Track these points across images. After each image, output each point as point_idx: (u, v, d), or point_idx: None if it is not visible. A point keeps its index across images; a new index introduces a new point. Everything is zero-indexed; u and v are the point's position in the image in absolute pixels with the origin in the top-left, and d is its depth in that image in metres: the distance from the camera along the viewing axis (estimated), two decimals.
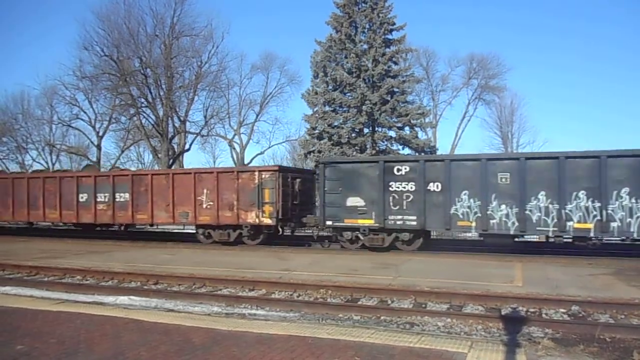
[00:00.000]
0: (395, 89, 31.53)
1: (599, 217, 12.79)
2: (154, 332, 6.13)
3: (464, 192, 13.98)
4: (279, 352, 5.32)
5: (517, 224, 13.43)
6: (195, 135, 40.06)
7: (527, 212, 13.33)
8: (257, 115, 46.02)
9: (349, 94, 31.55)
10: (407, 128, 32.27)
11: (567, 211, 13.03)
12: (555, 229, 13.14)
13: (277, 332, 6.11)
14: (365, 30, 31.96)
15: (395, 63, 32.90)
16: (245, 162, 44.36)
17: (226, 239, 17.23)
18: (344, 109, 31.77)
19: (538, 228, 13.32)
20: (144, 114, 36.09)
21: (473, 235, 15.18)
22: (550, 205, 13.15)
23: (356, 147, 31.15)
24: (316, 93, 32.08)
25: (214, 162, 50.89)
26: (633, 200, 12.54)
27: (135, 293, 9.79)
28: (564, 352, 5.96)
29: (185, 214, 17.68)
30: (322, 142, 31.23)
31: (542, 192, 13.21)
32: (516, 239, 14.37)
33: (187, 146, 39.15)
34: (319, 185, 16.28)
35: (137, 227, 22.41)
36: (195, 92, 37.52)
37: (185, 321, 6.72)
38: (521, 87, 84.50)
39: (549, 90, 71.91)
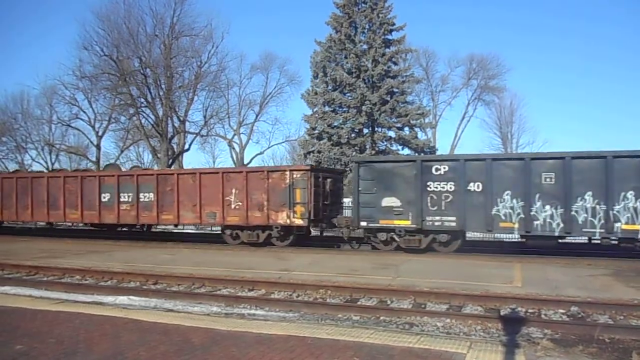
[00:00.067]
0: (395, 90, 31.57)
1: None
2: (153, 332, 6.13)
3: (506, 193, 13.58)
4: (278, 352, 5.32)
5: (562, 225, 13.04)
6: (194, 135, 40.12)
7: (572, 213, 12.94)
8: (257, 115, 46.08)
9: (348, 94, 31.59)
10: (406, 128, 32.34)
11: (614, 212, 12.66)
12: (602, 230, 12.75)
13: (277, 332, 6.11)
14: (365, 30, 32.00)
15: (395, 63, 32.94)
16: (245, 162, 44.36)
17: (255, 240, 16.80)
18: (344, 109, 31.81)
19: (584, 229, 12.92)
20: (144, 114, 36.16)
21: (515, 236, 14.55)
22: (597, 206, 12.78)
23: (356, 148, 31.18)
24: (316, 93, 32.12)
25: (214, 162, 50.96)
26: None
27: (135, 293, 9.78)
28: (563, 353, 5.95)
29: (212, 214, 17.28)
30: (321, 142, 31.27)
31: (589, 193, 12.83)
32: (560, 241, 13.80)
33: (186, 146, 39.18)
34: (351, 184, 15.78)
35: (159, 227, 21.95)
36: (195, 92, 37.58)
37: (184, 321, 6.72)
38: (521, 87, 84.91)
39: (549, 90, 72.10)
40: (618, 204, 12.68)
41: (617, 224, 12.68)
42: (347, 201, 19.32)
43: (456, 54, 67.78)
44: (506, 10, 70.91)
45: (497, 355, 5.21)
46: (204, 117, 39.45)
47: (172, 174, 18.56)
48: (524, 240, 14.13)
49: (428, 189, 14.31)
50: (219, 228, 18.24)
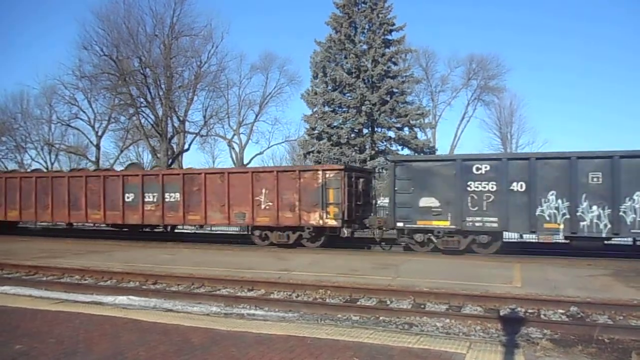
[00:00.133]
0: (395, 90, 31.56)
1: None
2: (152, 332, 6.13)
3: (550, 193, 13.23)
4: (277, 352, 5.32)
5: (609, 225, 12.73)
6: (194, 135, 40.13)
7: (620, 213, 12.65)
8: (257, 116, 46.10)
9: (348, 95, 31.60)
10: (406, 128, 32.33)
11: None
12: None
13: (276, 332, 6.11)
14: (365, 30, 32.01)
15: (395, 63, 32.93)
16: (245, 163, 44.37)
17: (285, 241, 16.45)
18: (344, 109, 31.81)
19: (633, 230, 12.66)
20: (143, 114, 36.17)
21: (560, 238, 14.14)
22: None
23: (355, 148, 31.19)
24: (315, 93, 32.12)
25: (213, 162, 50.93)
26: None
27: (134, 293, 9.79)
28: (563, 353, 5.95)
29: (242, 214, 16.94)
30: (321, 142, 31.27)
31: (638, 193, 12.57)
32: (606, 242, 13.45)
33: (186, 146, 39.20)
34: (387, 184, 15.39)
35: (180, 228, 21.58)
36: (195, 92, 37.59)
37: (184, 321, 6.72)
38: (521, 87, 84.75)
39: (548, 90, 72.11)
40: None
41: None
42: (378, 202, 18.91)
43: (456, 54, 67.81)
44: (506, 10, 71.09)
45: (497, 356, 5.21)
46: (204, 117, 39.55)
47: (200, 174, 18.05)
48: (567, 241, 13.86)
49: (468, 188, 13.93)
50: (219, 228, 18.12)
